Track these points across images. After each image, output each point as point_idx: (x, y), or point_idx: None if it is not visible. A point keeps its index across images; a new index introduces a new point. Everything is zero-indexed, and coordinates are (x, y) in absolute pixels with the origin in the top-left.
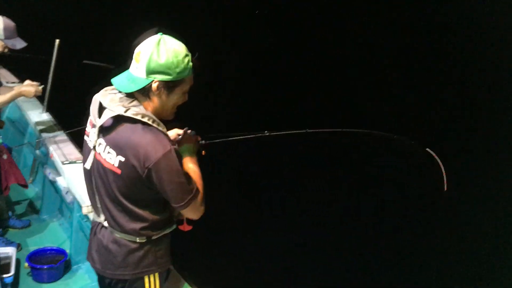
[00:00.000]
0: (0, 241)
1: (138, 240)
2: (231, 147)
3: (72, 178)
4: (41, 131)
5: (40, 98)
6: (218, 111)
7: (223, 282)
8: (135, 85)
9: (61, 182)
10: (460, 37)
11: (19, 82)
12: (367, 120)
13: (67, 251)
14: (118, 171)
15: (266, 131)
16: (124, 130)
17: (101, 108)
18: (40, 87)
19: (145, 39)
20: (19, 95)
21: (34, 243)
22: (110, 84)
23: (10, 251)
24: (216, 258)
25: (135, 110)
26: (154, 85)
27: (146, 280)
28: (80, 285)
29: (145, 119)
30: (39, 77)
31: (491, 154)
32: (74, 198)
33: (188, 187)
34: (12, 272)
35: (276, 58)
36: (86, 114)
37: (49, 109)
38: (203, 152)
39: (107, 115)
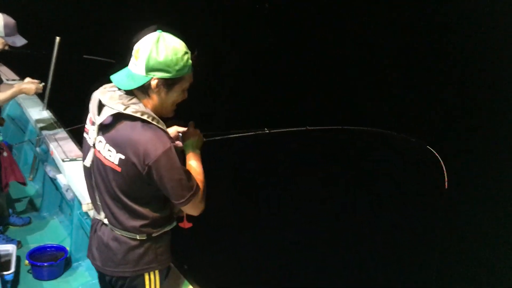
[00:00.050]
0: (1, 238)
1: (138, 237)
2: (228, 144)
3: (72, 176)
4: (42, 128)
5: (40, 95)
6: (217, 110)
7: (220, 279)
8: (134, 83)
9: (61, 179)
10: (460, 37)
11: (19, 80)
12: (367, 120)
13: (68, 248)
14: (118, 169)
15: (265, 128)
16: (123, 127)
17: (101, 106)
18: (41, 85)
19: (144, 36)
20: (20, 92)
21: (35, 241)
22: (110, 81)
23: (11, 248)
24: (213, 255)
25: (135, 108)
26: (153, 83)
27: (147, 277)
28: (80, 283)
29: (144, 117)
30: (39, 74)
31: (491, 154)
32: (75, 195)
33: (188, 184)
34: (13, 269)
35: (276, 57)
36: (86, 111)
37: (49, 107)
38: None
39: (106, 113)
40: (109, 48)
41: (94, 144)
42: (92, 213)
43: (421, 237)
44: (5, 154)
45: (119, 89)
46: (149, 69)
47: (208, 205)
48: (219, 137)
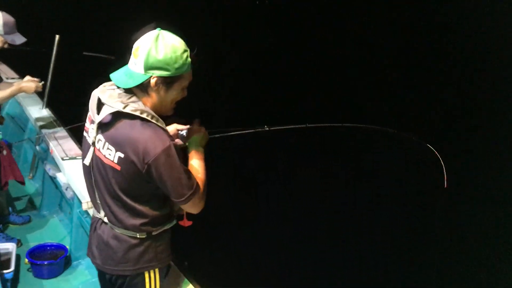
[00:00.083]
0: (0, 237)
1: (138, 235)
2: (227, 142)
3: (72, 174)
4: (41, 127)
5: (40, 94)
6: (217, 109)
7: (220, 276)
8: (133, 81)
9: (61, 178)
10: (460, 37)
11: (19, 78)
12: (367, 120)
13: (67, 247)
14: (118, 167)
15: (265, 126)
16: (123, 126)
17: (100, 104)
18: (41, 83)
19: (143, 34)
20: (19, 91)
21: (34, 239)
22: (109, 80)
23: (10, 247)
24: (213, 252)
25: (134, 106)
26: (153, 81)
27: (147, 275)
28: (80, 281)
29: (144, 115)
30: (39, 73)
31: (491, 154)
32: (74, 194)
33: (188, 183)
34: (12, 268)
35: (276, 57)
36: (86, 110)
37: (49, 105)
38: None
39: (106, 111)
40: (109, 47)
41: (93, 143)
42: (92, 211)
43: (421, 237)
44: (4, 152)
45: (119, 87)
46: (148, 67)
47: (207, 203)
48: (220, 135)
